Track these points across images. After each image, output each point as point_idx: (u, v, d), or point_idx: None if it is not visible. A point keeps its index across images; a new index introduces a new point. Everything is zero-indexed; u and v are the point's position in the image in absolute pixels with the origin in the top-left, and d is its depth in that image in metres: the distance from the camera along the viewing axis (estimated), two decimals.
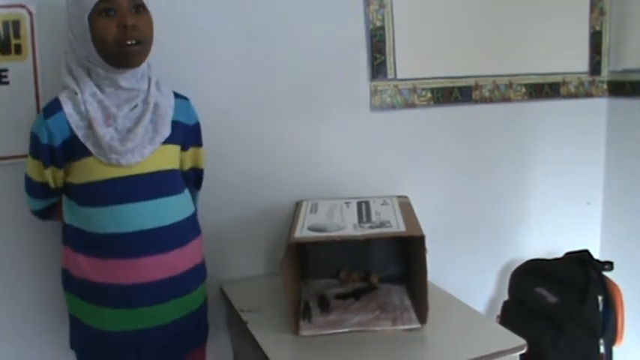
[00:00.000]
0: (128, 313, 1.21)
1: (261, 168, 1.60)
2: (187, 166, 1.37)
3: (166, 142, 1.23)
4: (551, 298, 1.69)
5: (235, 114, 1.54)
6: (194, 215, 1.35)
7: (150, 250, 1.20)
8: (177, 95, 1.28)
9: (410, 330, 1.33)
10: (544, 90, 1.83)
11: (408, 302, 1.46)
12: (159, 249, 1.22)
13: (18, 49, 1.18)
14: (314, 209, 1.49)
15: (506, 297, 1.86)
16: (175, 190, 1.29)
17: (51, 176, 1.18)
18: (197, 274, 1.32)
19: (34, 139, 1.16)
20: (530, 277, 1.79)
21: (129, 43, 1.12)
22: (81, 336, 1.23)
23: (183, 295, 1.28)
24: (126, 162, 1.16)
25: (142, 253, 1.18)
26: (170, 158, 1.27)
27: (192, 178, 1.38)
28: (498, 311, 1.86)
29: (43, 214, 1.27)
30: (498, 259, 1.93)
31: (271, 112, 1.58)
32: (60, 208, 1.25)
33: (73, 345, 1.26)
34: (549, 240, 1.94)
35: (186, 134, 1.31)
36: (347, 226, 1.35)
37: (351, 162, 1.70)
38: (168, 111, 1.23)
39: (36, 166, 1.18)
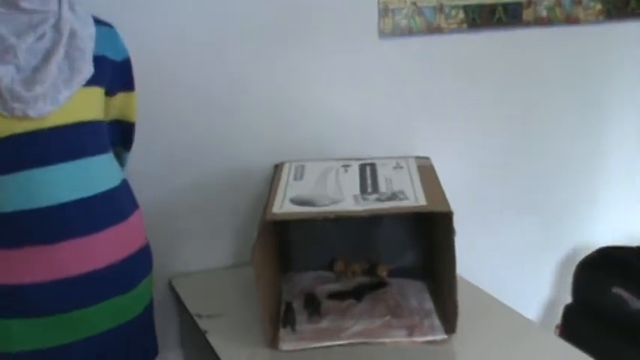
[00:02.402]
0: (41, 324, 1.20)
1: (224, 119, 1.60)
2: (112, 116, 1.36)
3: (88, 84, 1.22)
4: (636, 303, 1.68)
5: (184, 41, 1.51)
6: (126, 181, 1.34)
7: (72, 232, 1.19)
8: (97, 22, 1.26)
9: (432, 342, 1.34)
10: (629, 6, 1.76)
11: (429, 304, 1.47)
12: (85, 229, 1.21)
13: None
14: (299, 175, 1.49)
15: (568, 299, 1.87)
16: (101, 148, 1.27)
17: None
18: (139, 263, 1.32)
19: None
20: (603, 272, 1.78)
21: None
22: None
23: (120, 293, 1.27)
24: (35, 113, 1.14)
25: (61, 236, 1.18)
26: (93, 106, 1.25)
27: (117, 135, 1.38)
28: (558, 319, 1.87)
29: None
30: (556, 246, 1.94)
31: (238, 38, 1.55)
32: None
33: None
34: (630, 221, 1.93)
35: (114, 74, 1.30)
36: (345, 198, 1.36)
37: (351, 109, 1.70)
38: (87, 42, 1.22)
39: None
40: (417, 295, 1.50)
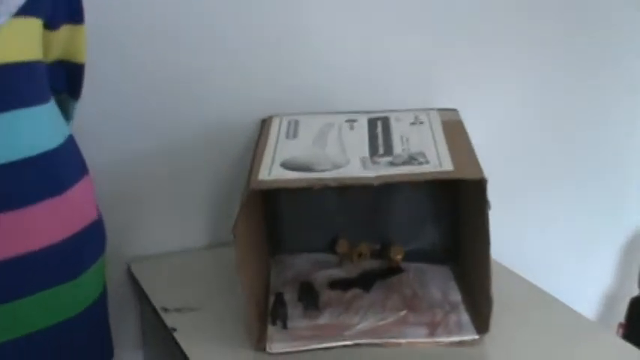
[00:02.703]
0: None
1: (196, 61, 1.60)
2: (54, 56, 1.35)
3: (21, 13, 1.19)
4: None
5: None
6: (73, 141, 1.33)
7: (1, 204, 1.21)
8: None
9: (460, 344, 1.36)
10: None
11: (456, 295, 1.49)
12: (14, 202, 1.20)
13: None
14: (292, 132, 1.51)
15: (635, 291, 1.89)
16: (38, 97, 1.25)
17: None
18: (88, 243, 1.31)
19: None
20: None
21: None
22: None
23: (62, 282, 1.26)
24: None
25: None
26: (27, 42, 1.23)
27: (62, 80, 1.37)
28: (621, 316, 1.93)
29: None
30: (618, 225, 1.97)
31: None
32: None
33: None
34: None
35: (56, 1, 1.29)
36: (350, 161, 1.37)
37: (358, 47, 1.70)
38: None
39: None
40: (441, 284, 1.53)
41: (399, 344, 1.36)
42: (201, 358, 1.33)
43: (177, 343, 1.37)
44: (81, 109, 1.44)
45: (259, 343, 1.34)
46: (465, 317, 1.42)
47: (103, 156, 1.55)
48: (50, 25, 1.29)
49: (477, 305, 1.41)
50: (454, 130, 1.49)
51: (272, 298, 1.47)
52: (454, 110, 1.59)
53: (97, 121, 1.55)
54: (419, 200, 1.61)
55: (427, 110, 1.58)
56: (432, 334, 1.38)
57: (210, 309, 1.46)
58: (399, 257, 1.60)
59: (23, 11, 1.19)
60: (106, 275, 1.39)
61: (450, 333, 1.37)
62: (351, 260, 1.62)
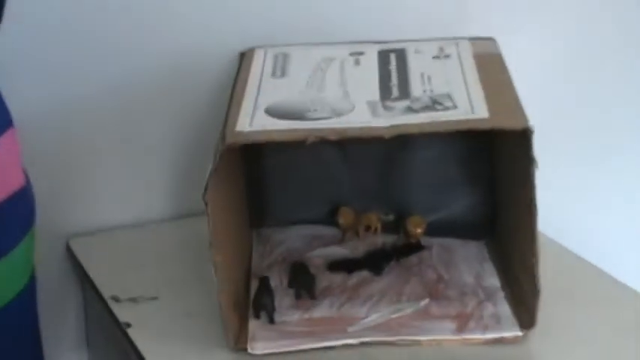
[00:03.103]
0: None
1: None
2: None
3: None
4: None
5: None
6: None
7: None
8: None
9: (498, 342, 1.35)
10: None
11: (492, 279, 1.49)
12: None
13: None
14: (280, 69, 1.50)
15: None
16: None
17: None
18: (12, 215, 1.32)
19: None
20: None
21: None
22: None
23: None
24: None
25: None
26: None
27: None
28: None
29: None
30: None
31: None
32: None
33: None
34: None
35: None
36: (355, 107, 1.36)
37: None
38: None
39: None
40: (473, 265, 1.53)
41: (419, 343, 1.35)
42: None
43: (131, 343, 1.36)
44: (3, 39, 1.40)
45: (238, 342, 1.34)
46: (505, 308, 1.41)
47: (32, 105, 1.53)
48: None
49: (520, 292, 1.41)
50: (490, 66, 1.47)
51: (254, 284, 1.46)
52: (490, 40, 1.58)
53: (23, 56, 1.54)
54: (444, 157, 1.61)
55: (455, 40, 1.57)
56: (461, 329, 1.37)
57: (174, 298, 1.46)
58: (418, 230, 1.59)
59: None
60: (35, 257, 1.38)
61: (485, 328, 1.37)
62: (356, 235, 1.62)
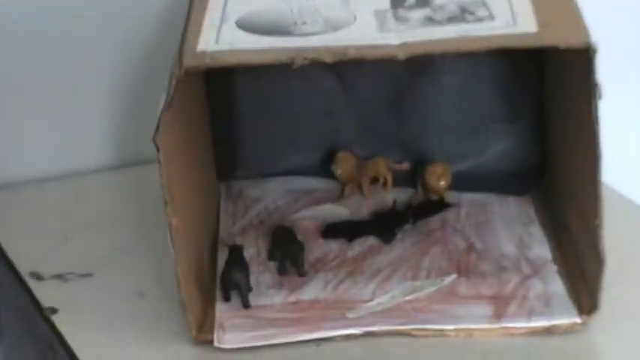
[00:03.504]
0: None
1: None
2: None
3: None
4: None
5: None
6: None
7: None
8: None
9: (550, 331, 1.35)
10: None
11: (542, 248, 1.50)
12: None
13: None
14: None
15: None
16: None
17: None
18: None
19: None
20: None
21: None
22: None
23: None
24: None
25: None
26: None
27: None
28: None
29: None
30: None
31: None
32: None
33: None
34: None
35: None
36: (357, 17, 1.37)
37: None
38: None
39: None
40: (514, 230, 1.55)
41: (443, 333, 1.35)
42: (101, 357, 1.33)
43: (57, 334, 1.35)
44: None
45: (201, 331, 1.34)
46: (558, 286, 1.41)
47: None
48: None
49: (579, 265, 1.41)
50: None
51: (223, 255, 1.45)
52: None
53: None
54: (476, 86, 1.63)
55: None
56: (499, 315, 1.36)
57: (114, 275, 1.48)
58: (442, 184, 1.60)
59: None
60: None
61: (530, 314, 1.36)
62: (359, 189, 1.64)
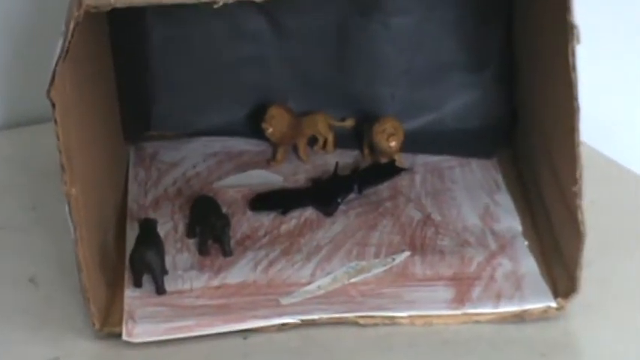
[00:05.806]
0: None
1: None
2: None
3: None
4: None
5: None
6: None
7: None
8: None
9: (520, 318, 1.36)
10: None
11: (510, 219, 1.53)
12: None
13: None
14: None
15: None
16: None
17: None
18: None
19: None
20: None
21: None
22: None
23: None
24: None
25: None
26: None
27: None
28: None
29: None
30: None
31: None
32: None
33: None
34: None
35: None
36: None
37: None
38: None
39: None
40: (478, 198, 1.58)
41: (395, 321, 1.34)
42: None
43: None
44: None
45: (106, 323, 1.34)
46: (530, 264, 1.42)
47: None
48: None
49: (554, 239, 1.43)
50: None
51: (133, 232, 1.46)
52: None
53: None
54: (432, 26, 1.66)
55: None
56: (461, 300, 1.36)
57: (3, 255, 1.48)
58: (392, 144, 1.61)
59: None
60: None
61: (498, 298, 1.36)
62: (295, 151, 1.66)
